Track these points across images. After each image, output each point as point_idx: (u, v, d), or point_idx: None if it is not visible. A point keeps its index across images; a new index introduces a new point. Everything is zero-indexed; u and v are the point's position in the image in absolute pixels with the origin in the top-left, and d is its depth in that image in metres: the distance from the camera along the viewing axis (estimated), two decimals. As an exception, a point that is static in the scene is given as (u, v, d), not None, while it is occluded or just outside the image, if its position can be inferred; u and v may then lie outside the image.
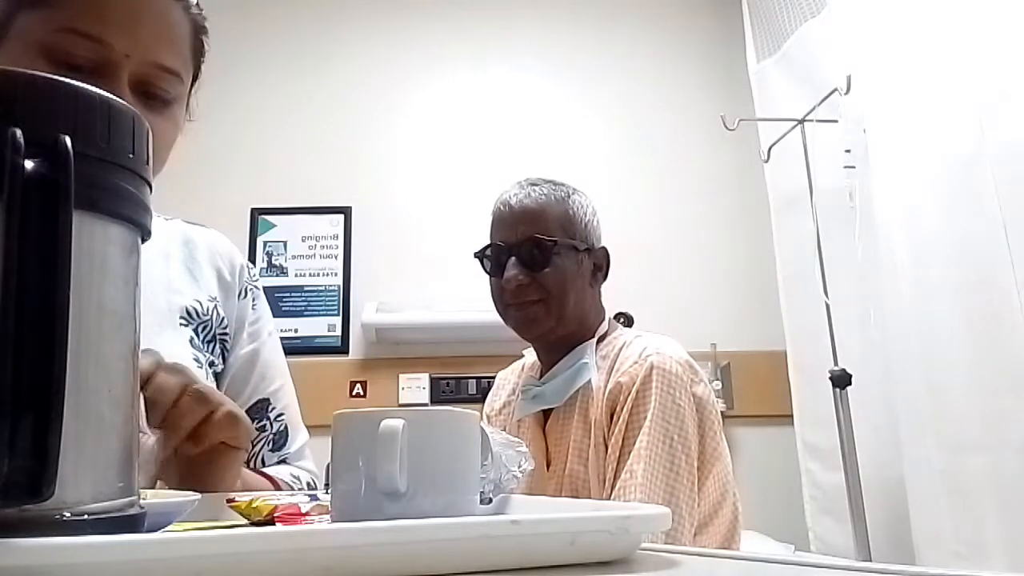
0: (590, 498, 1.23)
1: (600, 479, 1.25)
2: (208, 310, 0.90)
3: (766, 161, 2.60)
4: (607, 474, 1.24)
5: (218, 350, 0.91)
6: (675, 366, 1.27)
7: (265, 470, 0.90)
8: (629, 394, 1.25)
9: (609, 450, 1.25)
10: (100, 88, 0.71)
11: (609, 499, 1.20)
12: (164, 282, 0.88)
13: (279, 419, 0.94)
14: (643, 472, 1.18)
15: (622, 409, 1.25)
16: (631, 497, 1.16)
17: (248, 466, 0.87)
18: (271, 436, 0.93)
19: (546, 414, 1.38)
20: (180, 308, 0.87)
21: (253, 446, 0.92)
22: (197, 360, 0.85)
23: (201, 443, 0.67)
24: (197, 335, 0.87)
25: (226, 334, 0.91)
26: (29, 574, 0.30)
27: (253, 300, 0.97)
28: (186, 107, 0.87)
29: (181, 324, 0.86)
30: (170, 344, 0.82)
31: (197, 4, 0.83)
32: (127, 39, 0.74)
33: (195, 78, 0.86)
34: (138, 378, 0.40)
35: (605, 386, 1.29)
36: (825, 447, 2.27)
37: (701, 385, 1.30)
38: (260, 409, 0.93)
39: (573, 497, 1.24)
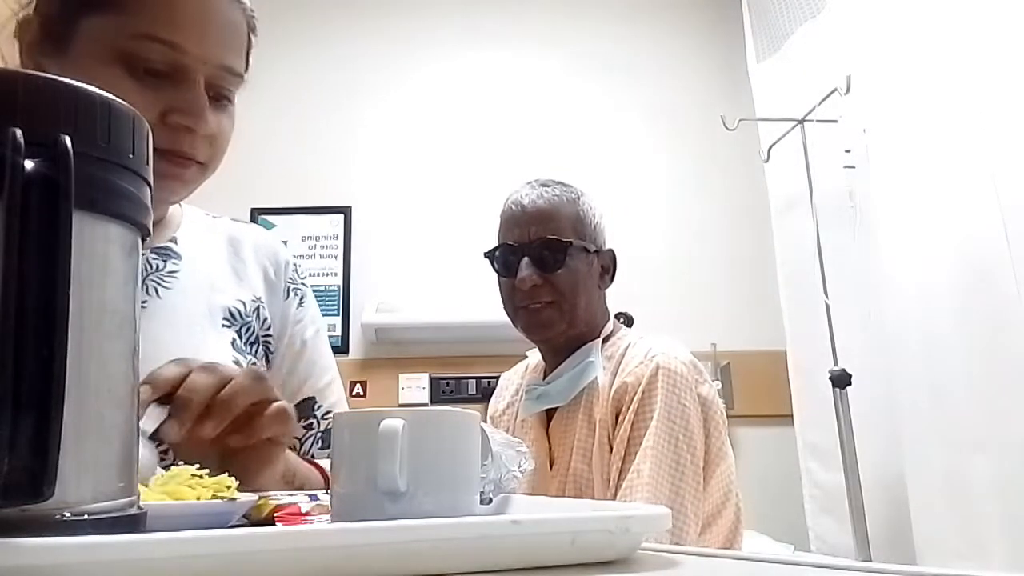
0: (594, 498, 1.22)
1: (604, 478, 1.25)
2: (251, 311, 0.88)
3: (766, 161, 2.60)
4: (611, 473, 1.24)
5: (261, 352, 0.89)
6: (680, 367, 1.27)
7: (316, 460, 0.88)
8: (635, 394, 1.25)
9: (614, 450, 1.25)
10: (179, 91, 0.75)
11: (614, 498, 1.20)
12: (207, 282, 0.87)
13: (327, 417, 0.92)
14: (649, 472, 1.18)
15: (627, 409, 1.25)
16: (637, 497, 1.16)
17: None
18: (319, 434, 0.91)
19: (549, 414, 1.38)
20: (223, 309, 0.86)
21: (301, 444, 0.91)
22: (238, 363, 0.83)
23: (251, 437, 0.66)
24: (240, 337, 0.86)
25: (269, 335, 0.90)
26: (29, 574, 0.30)
27: (300, 299, 0.96)
28: None
29: (224, 325, 0.85)
30: (211, 346, 0.81)
31: (250, 6, 0.85)
32: (201, 44, 0.76)
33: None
34: (138, 377, 0.40)
35: (610, 386, 1.30)
36: (825, 447, 2.27)
37: (706, 386, 1.31)
38: (307, 407, 0.91)
39: (577, 497, 1.24)
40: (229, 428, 0.64)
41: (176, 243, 0.87)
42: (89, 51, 0.75)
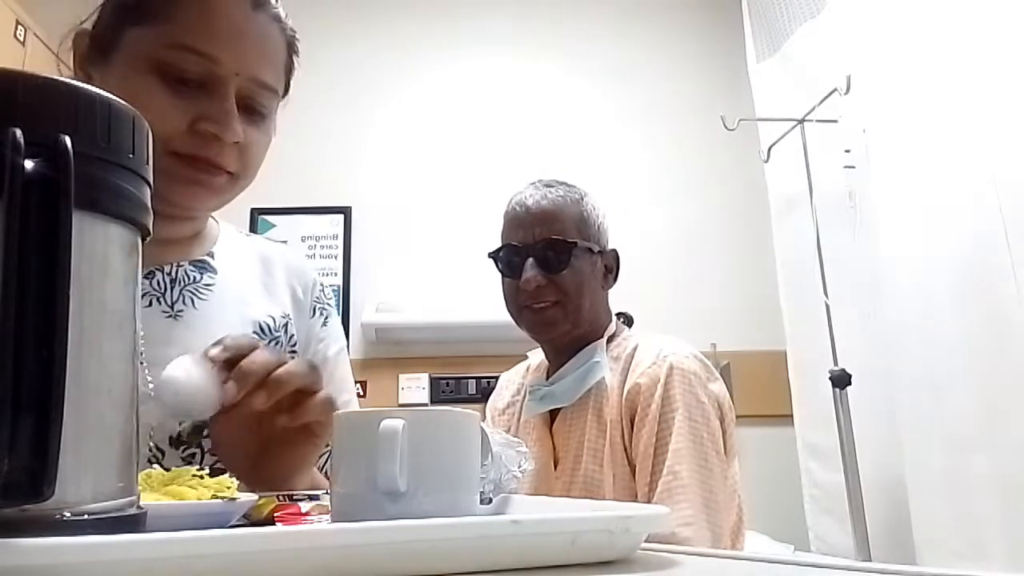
0: (605, 498, 1.22)
1: (618, 478, 1.25)
2: (280, 326, 0.90)
3: (766, 161, 2.60)
4: (639, 479, 1.23)
5: None
6: (692, 364, 1.29)
7: None
8: (652, 396, 1.24)
9: (639, 453, 1.24)
10: (209, 100, 0.77)
11: (651, 502, 1.19)
12: (240, 296, 0.89)
13: None
14: (688, 473, 1.19)
15: (648, 411, 1.24)
16: (679, 498, 1.17)
17: None
18: None
19: (552, 414, 1.38)
20: (253, 323, 0.88)
21: (319, 458, 0.93)
22: None
23: (298, 418, 0.68)
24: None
25: (295, 351, 0.92)
26: (29, 574, 0.30)
27: (325, 318, 0.98)
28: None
29: None
30: None
31: (291, 26, 0.87)
32: (235, 56, 0.78)
33: (284, 94, 0.91)
34: (138, 377, 0.40)
35: (622, 387, 1.29)
36: (825, 447, 2.27)
37: (717, 383, 1.32)
38: None
39: (588, 497, 1.24)
40: (277, 407, 0.67)
41: (213, 257, 0.90)
42: (129, 60, 0.78)
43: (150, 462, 0.73)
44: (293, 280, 0.96)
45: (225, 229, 0.96)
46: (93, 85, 0.38)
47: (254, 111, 0.83)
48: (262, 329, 0.88)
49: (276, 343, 0.89)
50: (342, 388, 0.97)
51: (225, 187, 0.82)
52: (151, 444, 0.74)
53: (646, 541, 0.46)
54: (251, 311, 0.89)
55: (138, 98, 0.77)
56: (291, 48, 0.88)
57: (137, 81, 0.76)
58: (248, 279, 0.92)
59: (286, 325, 0.92)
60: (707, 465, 1.22)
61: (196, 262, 0.87)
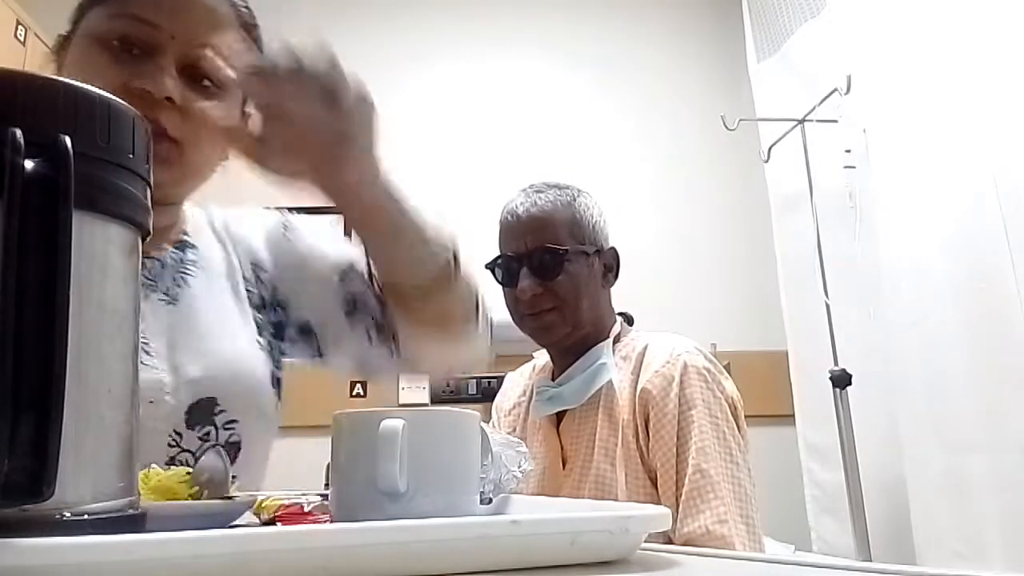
0: (618, 497, 1.23)
1: (629, 478, 1.25)
2: (252, 282, 0.90)
3: (766, 161, 2.60)
4: (665, 481, 1.23)
5: (278, 314, 0.91)
6: (706, 362, 1.29)
7: None
8: (668, 395, 1.24)
9: (660, 456, 1.23)
10: (147, 65, 0.78)
11: (678, 502, 1.19)
12: (222, 265, 0.90)
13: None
14: (715, 470, 1.19)
15: (664, 410, 1.24)
16: (710, 496, 1.17)
17: None
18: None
19: (559, 414, 1.38)
20: (238, 285, 0.89)
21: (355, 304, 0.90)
22: (268, 347, 0.87)
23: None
24: (259, 312, 0.89)
25: (280, 304, 0.91)
26: (29, 574, 0.30)
27: (284, 227, 0.96)
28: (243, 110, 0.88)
29: (249, 302, 0.89)
30: (239, 324, 0.86)
31: (246, 4, 0.88)
32: (174, 22, 0.80)
33: None
34: (138, 376, 0.40)
35: (633, 386, 1.29)
36: (826, 447, 2.27)
37: (729, 381, 1.32)
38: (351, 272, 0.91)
39: (599, 497, 1.24)
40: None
41: (188, 235, 0.91)
42: (82, 38, 0.80)
43: (170, 447, 0.73)
44: (238, 247, 0.94)
45: (189, 209, 0.95)
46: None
47: (202, 77, 0.81)
48: (247, 292, 0.89)
49: (260, 298, 0.89)
50: (343, 248, 0.93)
51: (173, 158, 0.79)
52: (171, 431, 0.75)
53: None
54: (235, 273, 0.89)
55: (82, 68, 0.77)
56: (247, 26, 0.88)
57: (84, 52, 0.79)
58: (217, 248, 0.92)
59: (257, 277, 0.91)
60: (733, 459, 1.22)
61: (177, 243, 0.88)
